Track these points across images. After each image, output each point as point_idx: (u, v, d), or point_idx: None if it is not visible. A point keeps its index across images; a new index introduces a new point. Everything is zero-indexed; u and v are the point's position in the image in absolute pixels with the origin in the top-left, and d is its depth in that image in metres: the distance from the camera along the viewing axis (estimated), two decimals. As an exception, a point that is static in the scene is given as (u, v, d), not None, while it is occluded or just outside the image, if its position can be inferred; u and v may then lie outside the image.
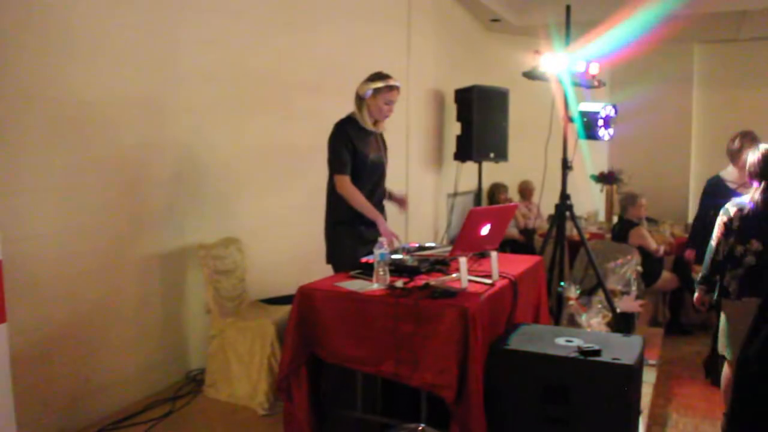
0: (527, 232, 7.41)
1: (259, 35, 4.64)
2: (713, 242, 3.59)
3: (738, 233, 3.47)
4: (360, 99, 3.70)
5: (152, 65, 3.95)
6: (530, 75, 4.91)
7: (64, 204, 3.49)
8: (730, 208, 3.54)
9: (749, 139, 4.54)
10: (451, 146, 6.97)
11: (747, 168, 3.54)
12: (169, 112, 4.08)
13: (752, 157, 3.50)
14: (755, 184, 3.49)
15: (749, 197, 3.50)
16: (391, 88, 3.67)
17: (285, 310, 3.90)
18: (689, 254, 5.03)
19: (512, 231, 7.31)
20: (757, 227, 3.41)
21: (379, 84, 3.65)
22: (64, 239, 3.50)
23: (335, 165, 3.65)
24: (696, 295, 3.76)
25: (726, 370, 3.64)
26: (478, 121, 6.66)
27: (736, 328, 3.41)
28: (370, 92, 3.65)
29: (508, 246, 7.11)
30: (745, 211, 3.46)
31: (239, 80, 4.51)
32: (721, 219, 3.57)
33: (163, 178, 4.09)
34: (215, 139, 4.37)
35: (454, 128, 6.90)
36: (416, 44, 6.44)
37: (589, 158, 7.03)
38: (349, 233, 3.68)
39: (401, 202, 3.95)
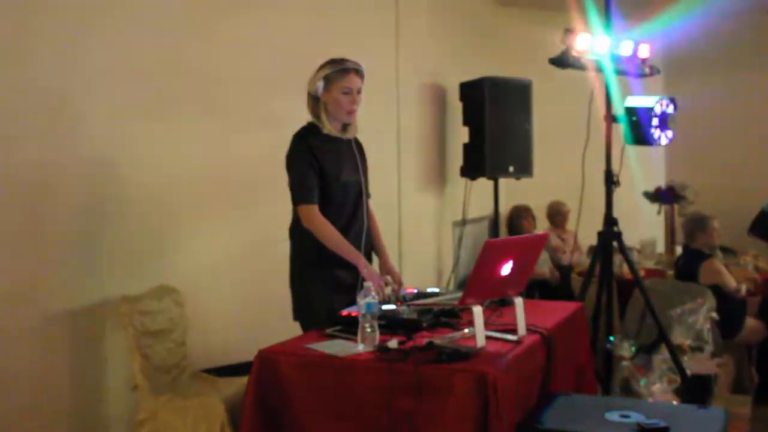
0: (562, 270, 7.40)
1: (197, 19, 4.65)
2: None
3: None
4: (314, 99, 3.71)
5: (55, 58, 3.93)
6: (560, 62, 4.93)
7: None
8: None
9: None
10: (456, 158, 6.96)
11: None
12: (80, 119, 4.05)
13: None
14: None
15: None
16: (346, 71, 3.66)
17: (240, 383, 3.86)
18: None
19: (542, 269, 7.30)
20: None
21: (329, 70, 3.66)
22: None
23: (298, 192, 3.65)
24: None
25: None
26: (492, 124, 6.66)
27: None
28: (321, 85, 3.66)
29: (537, 289, 7.10)
30: None
31: (173, 78, 4.50)
32: None
33: (73, 207, 4.05)
34: (142, 155, 4.34)
35: (460, 134, 6.90)
36: (406, 27, 6.47)
37: (641, 170, 7.06)
38: (321, 278, 3.67)
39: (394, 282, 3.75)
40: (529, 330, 3.23)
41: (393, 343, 3.02)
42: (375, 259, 3.96)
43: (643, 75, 5.23)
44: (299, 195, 3.64)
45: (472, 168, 6.79)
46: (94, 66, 4.11)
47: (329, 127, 3.72)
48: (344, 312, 3.38)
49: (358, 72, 3.71)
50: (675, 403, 4.06)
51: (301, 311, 3.73)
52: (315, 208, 3.62)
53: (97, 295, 4.13)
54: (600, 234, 5.12)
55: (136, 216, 4.34)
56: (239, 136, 4.89)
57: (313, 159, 3.64)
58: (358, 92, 3.72)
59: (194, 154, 4.65)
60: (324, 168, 3.66)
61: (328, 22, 5.56)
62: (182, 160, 4.57)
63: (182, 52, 4.56)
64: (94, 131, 4.12)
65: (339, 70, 3.66)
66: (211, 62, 4.75)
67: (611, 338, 4.75)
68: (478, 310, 2.99)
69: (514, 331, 3.18)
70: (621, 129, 5.01)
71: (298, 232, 3.71)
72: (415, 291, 3.71)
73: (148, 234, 4.41)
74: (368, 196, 3.92)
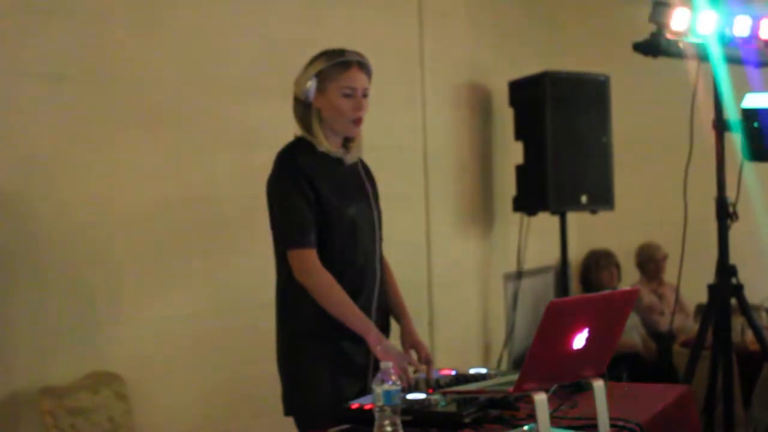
0: (659, 340, 7.39)
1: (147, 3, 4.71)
2: None
3: None
4: (304, 106, 3.71)
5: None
6: (648, 48, 4.95)
7: None
8: None
9: None
10: (507, 186, 7.02)
11: None
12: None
13: None
14: None
15: None
16: (346, 65, 3.66)
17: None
18: None
19: (631, 338, 7.28)
20: None
21: (322, 65, 3.66)
22: None
23: (287, 232, 3.64)
24: None
25: None
26: (557, 137, 6.71)
27: None
28: (312, 86, 3.66)
29: (625, 366, 7.07)
30: None
31: (112, 82, 4.54)
32: None
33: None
34: (68, 185, 4.36)
35: (512, 153, 6.95)
36: (433, 4, 6.53)
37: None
38: (324, 356, 3.66)
39: (421, 361, 3.78)
40: (616, 425, 3.18)
41: (424, 447, 3.01)
42: (395, 327, 3.94)
43: (766, 64, 5.24)
44: (289, 237, 3.62)
45: (530, 199, 6.84)
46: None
47: (326, 144, 3.71)
48: (355, 404, 3.33)
49: (363, 66, 3.71)
50: None
51: (296, 403, 3.70)
52: (312, 255, 3.59)
53: (7, 386, 4.12)
54: (712, 288, 5.10)
55: (59, 272, 4.34)
56: (200, 159, 4.92)
57: (307, 186, 3.61)
58: (364, 95, 3.72)
59: (137, 185, 4.66)
60: (323, 199, 3.64)
61: (331, 13, 5.61)
62: (121, 194, 4.58)
63: (122, 51, 4.60)
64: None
65: (336, 64, 3.66)
66: (160, 57, 4.78)
67: (732, 435, 4.73)
68: (541, 400, 2.94)
69: (593, 428, 3.13)
70: (737, 140, 5.02)
71: (292, 290, 3.67)
72: (453, 373, 3.69)
73: (76, 298, 4.41)
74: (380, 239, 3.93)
